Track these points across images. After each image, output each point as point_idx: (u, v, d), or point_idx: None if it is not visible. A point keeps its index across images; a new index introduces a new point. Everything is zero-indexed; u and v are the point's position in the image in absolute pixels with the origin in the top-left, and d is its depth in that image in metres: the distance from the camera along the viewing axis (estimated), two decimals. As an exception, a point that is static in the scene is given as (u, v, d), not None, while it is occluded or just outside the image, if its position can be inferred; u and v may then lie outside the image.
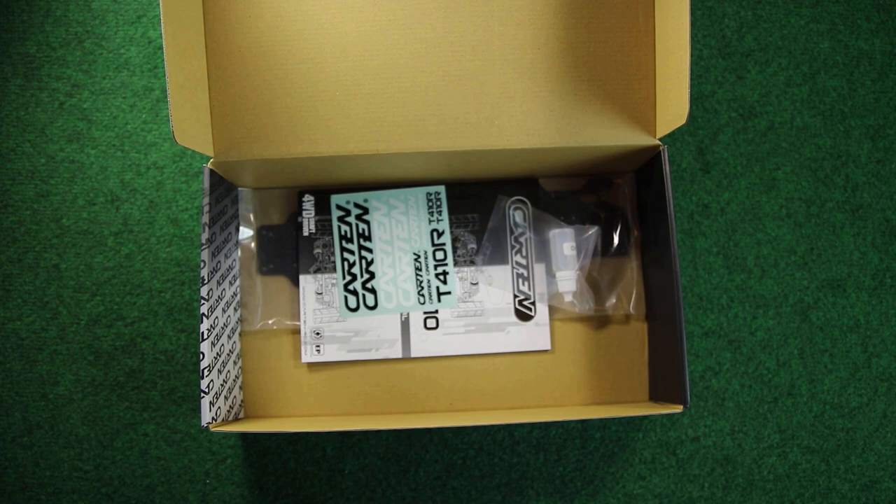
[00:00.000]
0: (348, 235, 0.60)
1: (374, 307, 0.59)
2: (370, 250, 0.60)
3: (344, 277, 0.59)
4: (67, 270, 0.61)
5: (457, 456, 0.60)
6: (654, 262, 0.57)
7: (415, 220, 0.60)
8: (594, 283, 0.60)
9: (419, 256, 0.60)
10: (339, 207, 0.60)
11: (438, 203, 0.60)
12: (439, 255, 0.60)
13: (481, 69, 0.53)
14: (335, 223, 0.60)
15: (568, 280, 0.58)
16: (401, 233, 0.60)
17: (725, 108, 0.63)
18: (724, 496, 0.60)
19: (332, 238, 0.60)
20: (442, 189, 0.60)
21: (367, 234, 0.60)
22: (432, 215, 0.60)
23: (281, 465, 0.60)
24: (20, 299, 0.61)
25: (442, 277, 0.59)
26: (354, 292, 0.59)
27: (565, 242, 0.58)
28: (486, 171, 0.59)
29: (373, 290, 0.59)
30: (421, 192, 0.60)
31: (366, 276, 0.59)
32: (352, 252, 0.60)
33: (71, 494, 0.59)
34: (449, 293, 0.59)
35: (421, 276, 0.60)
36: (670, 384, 0.53)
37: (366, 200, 0.60)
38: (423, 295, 0.59)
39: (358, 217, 0.60)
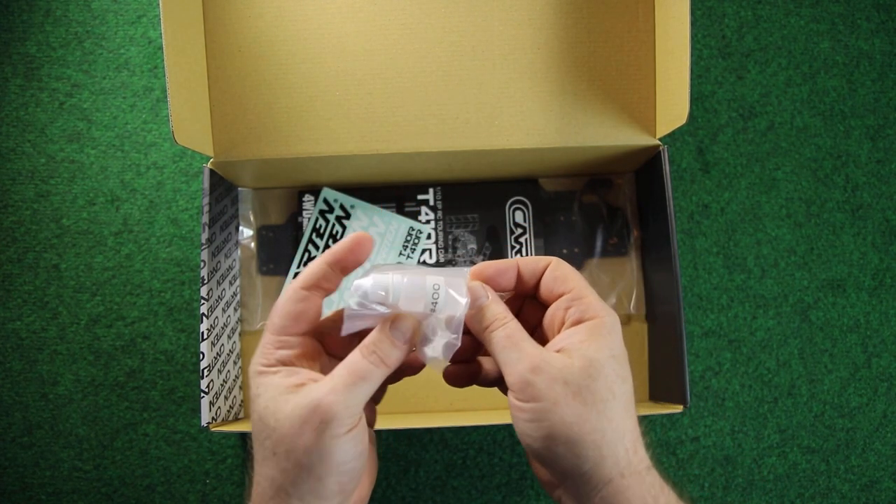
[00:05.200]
0: (321, 231, 0.60)
1: None
2: None
3: (297, 267, 0.60)
4: (67, 270, 0.61)
5: (457, 456, 0.60)
6: (654, 262, 0.57)
7: (386, 248, 0.60)
8: (594, 284, 0.60)
9: None
10: (325, 202, 0.60)
11: (416, 241, 0.60)
12: None
13: (481, 69, 0.53)
14: (315, 214, 0.60)
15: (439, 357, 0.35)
16: None
17: (725, 108, 0.63)
18: (724, 496, 0.60)
19: (306, 226, 0.60)
20: (426, 228, 0.60)
21: (338, 237, 0.60)
22: (405, 249, 0.60)
23: (281, 465, 0.60)
24: (20, 299, 0.61)
25: None
26: None
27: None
28: (486, 171, 0.59)
29: None
30: (405, 223, 0.60)
31: None
32: (317, 248, 0.60)
33: (71, 494, 0.59)
34: None
35: None
36: (670, 384, 0.53)
37: (352, 206, 0.60)
38: None
39: (338, 219, 0.60)
